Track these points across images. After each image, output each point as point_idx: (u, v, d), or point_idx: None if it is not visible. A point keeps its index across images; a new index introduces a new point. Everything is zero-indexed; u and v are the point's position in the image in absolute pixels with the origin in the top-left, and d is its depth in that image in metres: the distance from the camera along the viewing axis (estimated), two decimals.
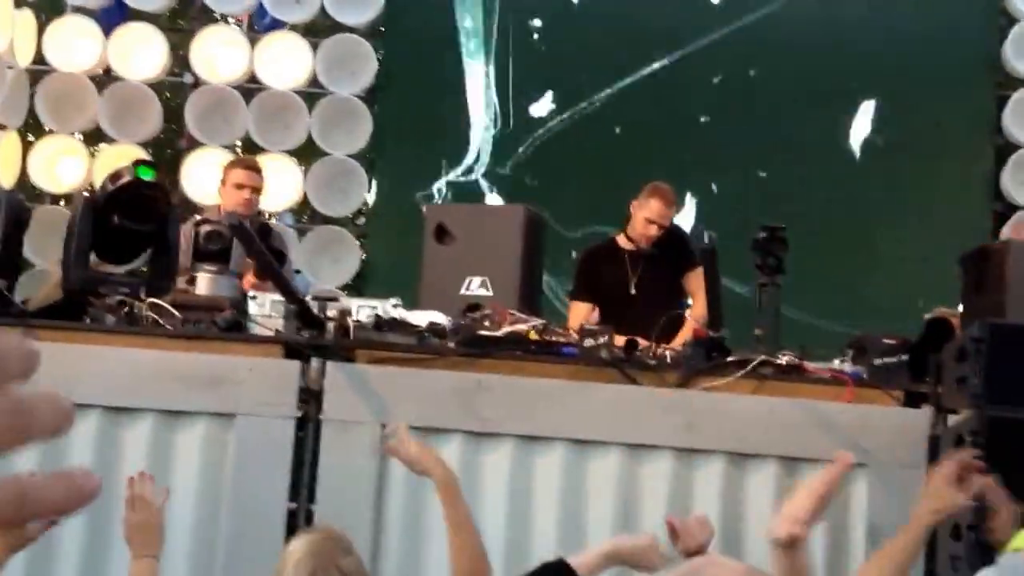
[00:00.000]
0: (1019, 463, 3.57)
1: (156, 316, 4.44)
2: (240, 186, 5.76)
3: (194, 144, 8.19)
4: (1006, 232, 7.39)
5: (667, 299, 5.40)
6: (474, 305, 4.87)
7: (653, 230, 5.57)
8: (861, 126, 7.92)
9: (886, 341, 4.47)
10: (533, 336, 4.62)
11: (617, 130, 7.91)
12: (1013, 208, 7.77)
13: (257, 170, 5.95)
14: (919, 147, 7.86)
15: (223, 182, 5.86)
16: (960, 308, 4.88)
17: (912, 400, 4.35)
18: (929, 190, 7.84)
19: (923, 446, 4.22)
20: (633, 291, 5.53)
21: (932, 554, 4.11)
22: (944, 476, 3.09)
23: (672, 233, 5.64)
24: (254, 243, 4.32)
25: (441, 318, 4.66)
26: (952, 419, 4.14)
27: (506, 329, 4.64)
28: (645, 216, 5.59)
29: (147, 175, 4.45)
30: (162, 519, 3.36)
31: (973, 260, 4.75)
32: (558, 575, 3.10)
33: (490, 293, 5.04)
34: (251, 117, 8.12)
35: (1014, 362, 3.65)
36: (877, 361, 4.41)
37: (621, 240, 5.70)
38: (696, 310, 5.44)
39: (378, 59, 8.19)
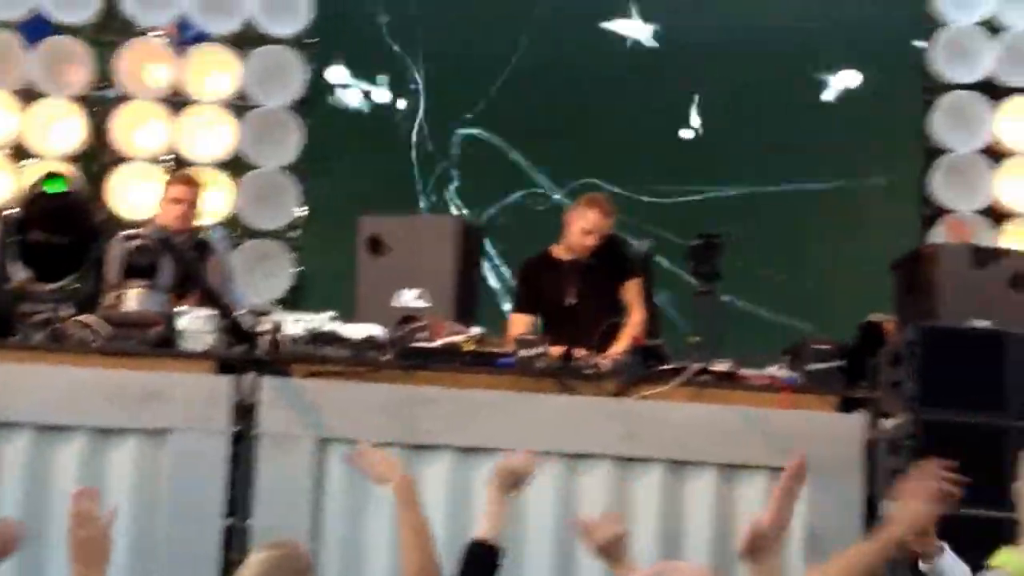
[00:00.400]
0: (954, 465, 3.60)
1: (84, 333, 4.35)
2: (176, 200, 5.66)
3: (120, 159, 8.06)
4: (941, 231, 7.49)
5: (607, 309, 5.38)
6: (410, 317, 4.83)
7: (590, 240, 5.56)
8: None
9: (821, 347, 4.50)
10: (470, 347, 4.59)
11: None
12: (941, 212, 7.87)
13: (195, 184, 5.85)
14: (849, 152, 7.94)
15: (164, 196, 5.77)
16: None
17: (848, 405, 4.38)
18: (859, 196, 7.92)
19: (859, 450, 4.25)
20: (572, 302, 5.51)
21: None
22: (915, 490, 3.08)
23: (610, 243, 5.63)
24: (183, 256, 4.24)
25: (377, 330, 4.62)
26: (887, 423, 4.17)
27: (442, 341, 4.61)
28: (582, 227, 5.57)
29: (54, 187, 4.36)
30: (109, 536, 3.27)
31: (905, 265, 4.81)
32: (484, 557, 3.09)
33: (426, 304, 5.00)
34: (178, 131, 8.01)
35: (947, 365, 3.69)
36: (813, 366, 4.44)
37: (558, 251, 5.69)
38: (634, 319, 5.43)
39: (307, 69, 8.11)
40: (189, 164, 7.99)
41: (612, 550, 3.12)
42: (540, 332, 5.07)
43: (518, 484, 3.30)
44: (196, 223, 5.90)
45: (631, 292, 5.56)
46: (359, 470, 3.51)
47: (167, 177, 5.96)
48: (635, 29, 8.06)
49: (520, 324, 5.49)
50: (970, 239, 7.08)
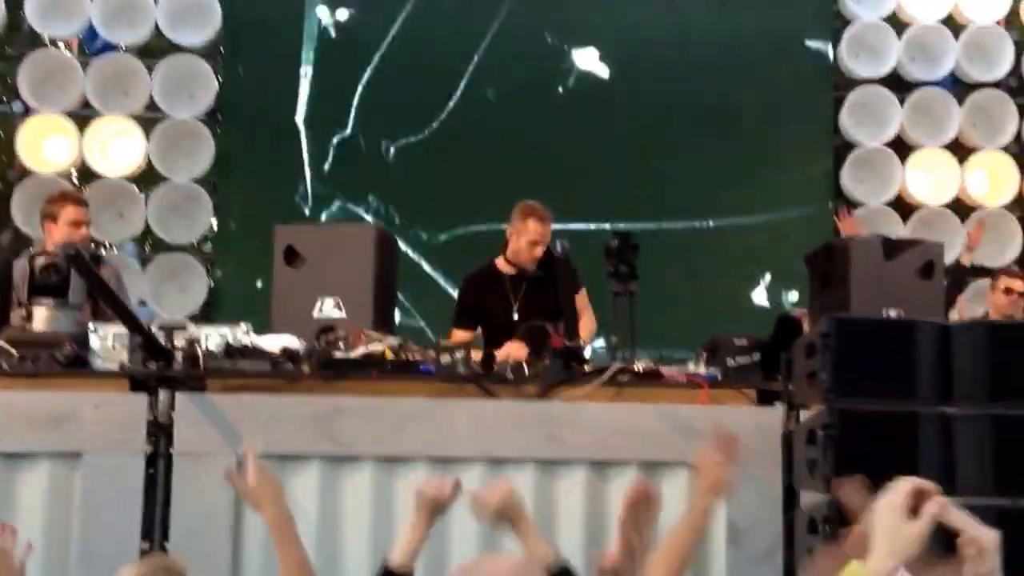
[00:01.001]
0: (870, 454, 3.65)
1: None
2: (77, 223, 5.48)
3: (27, 174, 7.90)
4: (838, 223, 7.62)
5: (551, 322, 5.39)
6: (327, 327, 4.78)
7: (539, 250, 5.57)
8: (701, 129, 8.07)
9: (738, 342, 4.54)
10: (389, 356, 4.56)
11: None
12: (853, 205, 7.99)
13: (86, 204, 5.71)
14: (761, 148, 8.03)
15: (51, 218, 5.53)
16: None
17: (765, 398, 4.43)
18: (771, 190, 8.02)
19: (777, 442, 4.30)
20: (516, 316, 5.50)
21: (790, 547, 4.18)
22: (709, 454, 3.11)
23: (554, 257, 5.65)
24: (93, 273, 4.16)
25: (294, 342, 4.56)
26: (804, 414, 4.22)
27: (361, 350, 4.57)
28: (527, 240, 5.56)
29: None
30: (23, 573, 3.18)
31: (818, 257, 4.87)
32: None
33: (343, 314, 4.95)
34: (86, 144, 7.87)
35: (861, 355, 3.74)
36: (731, 361, 4.48)
37: (501, 264, 5.67)
38: (583, 332, 5.44)
39: (218, 79, 8.01)
40: (98, 178, 7.87)
41: (507, 511, 3.09)
42: (482, 346, 5.03)
43: (441, 510, 3.25)
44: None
45: (581, 302, 5.61)
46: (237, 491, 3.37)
47: (52, 199, 5.66)
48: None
49: (461, 338, 5.47)
50: (860, 230, 7.20)
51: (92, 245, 5.71)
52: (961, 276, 7.22)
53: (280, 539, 3.07)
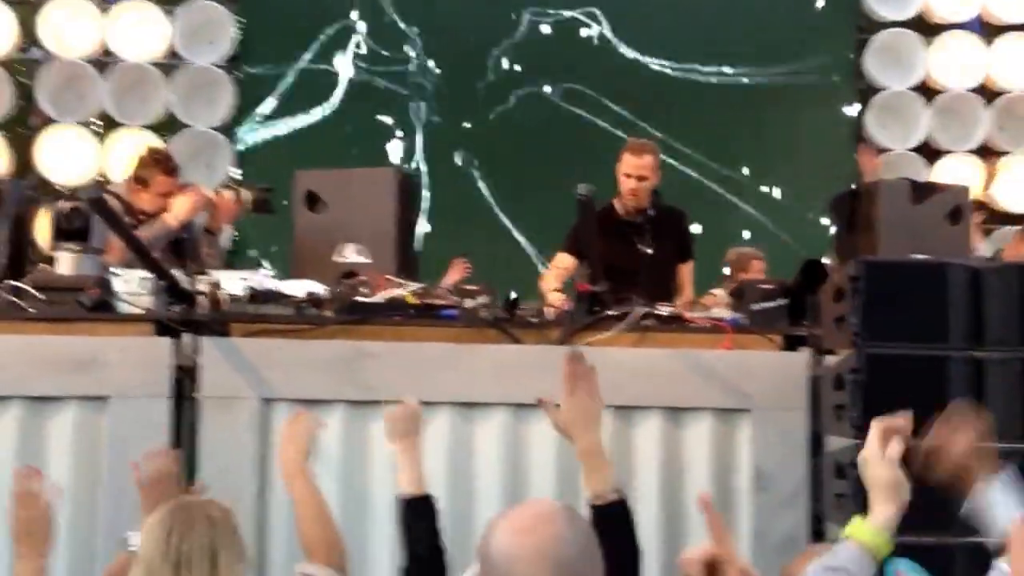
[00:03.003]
0: (899, 399, 3.62)
1: (16, 299, 4.25)
2: (167, 194, 5.39)
3: (48, 121, 7.89)
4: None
5: (659, 275, 5.40)
6: (350, 272, 4.77)
7: (632, 183, 5.57)
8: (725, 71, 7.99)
9: (763, 286, 4.51)
10: (412, 300, 4.55)
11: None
12: (876, 150, 7.92)
13: (176, 171, 5.58)
14: (783, 92, 7.96)
15: (141, 182, 5.43)
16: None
17: (791, 343, 4.40)
18: (794, 135, 7.95)
19: (803, 388, 4.27)
20: (631, 261, 5.51)
21: (818, 494, 4.17)
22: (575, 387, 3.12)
23: (676, 217, 5.66)
24: (115, 216, 4.14)
25: (317, 287, 4.56)
26: (830, 359, 4.20)
27: (384, 295, 4.56)
28: (624, 173, 5.60)
29: None
30: (52, 516, 3.22)
31: (844, 201, 4.82)
32: (417, 508, 3.06)
33: (365, 259, 4.94)
34: (106, 91, 7.85)
35: (890, 299, 3.70)
36: (755, 306, 4.45)
37: (618, 207, 5.68)
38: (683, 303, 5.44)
39: (237, 25, 7.97)
40: (118, 126, 7.86)
41: (400, 426, 3.14)
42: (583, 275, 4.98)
43: (416, 426, 3.27)
44: None
45: (684, 274, 5.64)
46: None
47: (143, 161, 5.51)
48: None
49: (564, 263, 5.52)
50: (878, 166, 7.16)
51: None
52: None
53: (294, 474, 3.10)
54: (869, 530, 2.24)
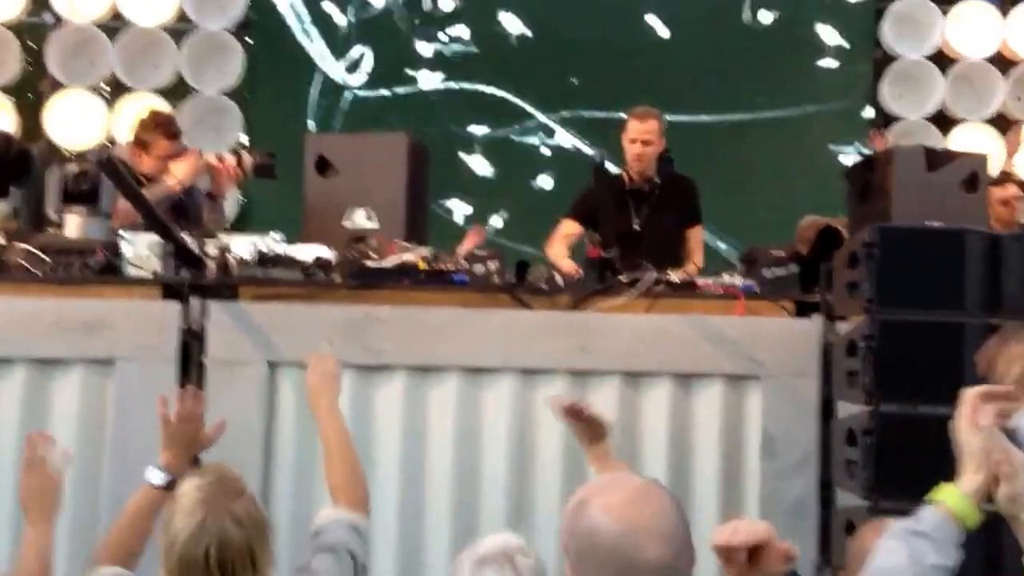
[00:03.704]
0: (912, 366, 3.59)
1: (24, 261, 4.23)
2: (167, 158, 5.33)
3: (57, 86, 7.86)
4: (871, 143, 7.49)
5: (664, 242, 5.37)
6: (359, 237, 4.74)
7: (637, 147, 5.54)
8: None
9: (775, 253, 4.47)
10: (422, 266, 4.52)
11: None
12: (890, 119, 7.85)
13: (179, 135, 5.55)
14: (797, 60, 7.88)
15: (142, 146, 5.36)
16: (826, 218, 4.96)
17: (803, 310, 4.36)
18: (807, 102, 7.88)
19: (815, 354, 4.24)
20: (636, 228, 5.48)
21: (827, 460, 4.14)
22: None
23: (685, 184, 5.62)
24: (124, 179, 4.12)
25: (326, 252, 4.53)
26: (843, 326, 4.16)
27: (393, 260, 4.53)
28: (628, 139, 5.56)
29: None
30: (62, 483, 3.20)
31: (859, 169, 4.77)
32: None
33: (375, 224, 4.90)
34: (116, 56, 7.80)
35: (905, 265, 3.66)
36: (767, 273, 4.41)
37: (626, 176, 5.65)
38: (690, 269, 5.39)
39: None
40: (128, 91, 7.81)
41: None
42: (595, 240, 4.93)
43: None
44: None
45: (693, 239, 5.61)
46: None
47: (145, 124, 5.43)
48: None
49: (568, 229, 5.52)
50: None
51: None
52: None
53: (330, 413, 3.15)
54: (956, 496, 2.17)
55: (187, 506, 2.56)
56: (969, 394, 2.25)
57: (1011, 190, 6.61)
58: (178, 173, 5.08)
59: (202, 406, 3.31)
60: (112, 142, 7.47)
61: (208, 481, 2.63)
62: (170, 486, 3.13)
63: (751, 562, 1.99)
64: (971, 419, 2.21)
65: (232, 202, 7.70)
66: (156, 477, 3.14)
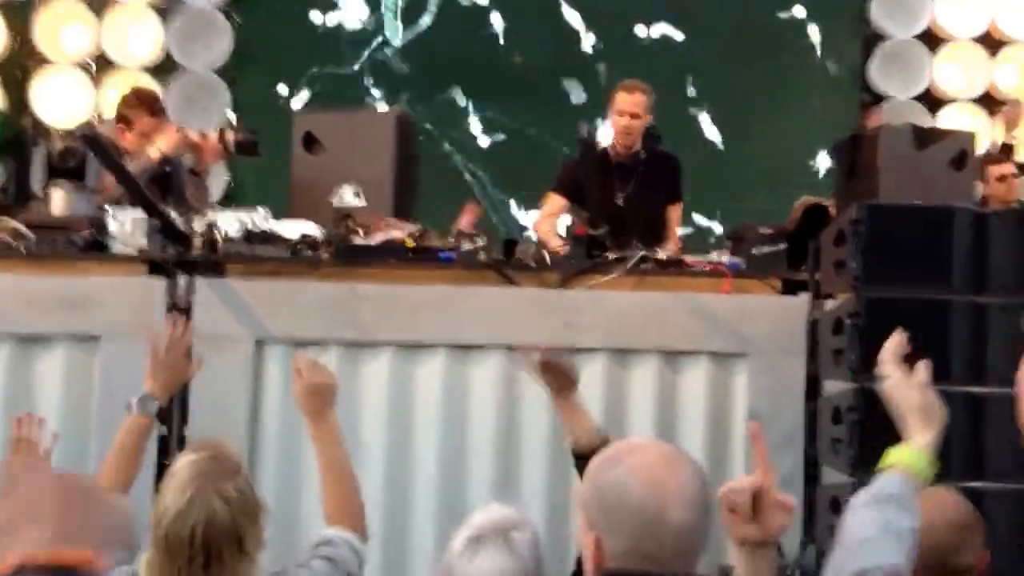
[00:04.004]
0: None
1: (9, 238, 4.21)
2: (149, 135, 5.28)
3: (44, 63, 7.81)
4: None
5: (648, 217, 5.36)
6: (346, 214, 4.72)
7: (625, 120, 5.51)
8: None
9: (763, 231, 4.47)
10: (409, 243, 4.51)
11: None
12: (879, 99, 7.84)
13: (163, 111, 5.49)
14: (787, 39, 7.87)
15: (125, 122, 5.30)
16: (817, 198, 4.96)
17: (790, 288, 4.36)
18: (797, 82, 7.87)
19: (802, 332, 4.25)
20: (619, 203, 5.47)
21: (813, 438, 4.15)
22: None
23: (668, 161, 5.61)
24: (110, 155, 4.09)
25: (313, 229, 4.51)
26: (829, 304, 4.16)
27: (381, 237, 4.51)
28: (616, 112, 5.53)
29: None
30: (48, 464, 3.19)
31: (846, 147, 4.77)
32: None
33: (363, 202, 4.88)
34: (103, 32, 7.76)
35: (893, 243, 3.65)
36: (755, 251, 4.41)
37: (612, 149, 5.63)
38: (671, 246, 5.38)
39: None
40: (113, 67, 7.77)
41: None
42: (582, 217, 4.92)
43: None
44: None
45: (673, 217, 5.60)
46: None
47: (127, 100, 5.36)
48: None
49: (553, 204, 5.51)
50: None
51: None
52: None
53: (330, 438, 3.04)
54: (911, 454, 2.18)
55: (178, 482, 2.54)
56: (888, 358, 2.27)
57: (1008, 167, 6.63)
58: (160, 144, 5.03)
59: (190, 336, 3.31)
60: (100, 119, 7.42)
61: (203, 457, 2.61)
62: (158, 415, 3.16)
63: (753, 511, 2.01)
64: (904, 377, 2.24)
65: (220, 180, 7.69)
66: (142, 406, 3.17)
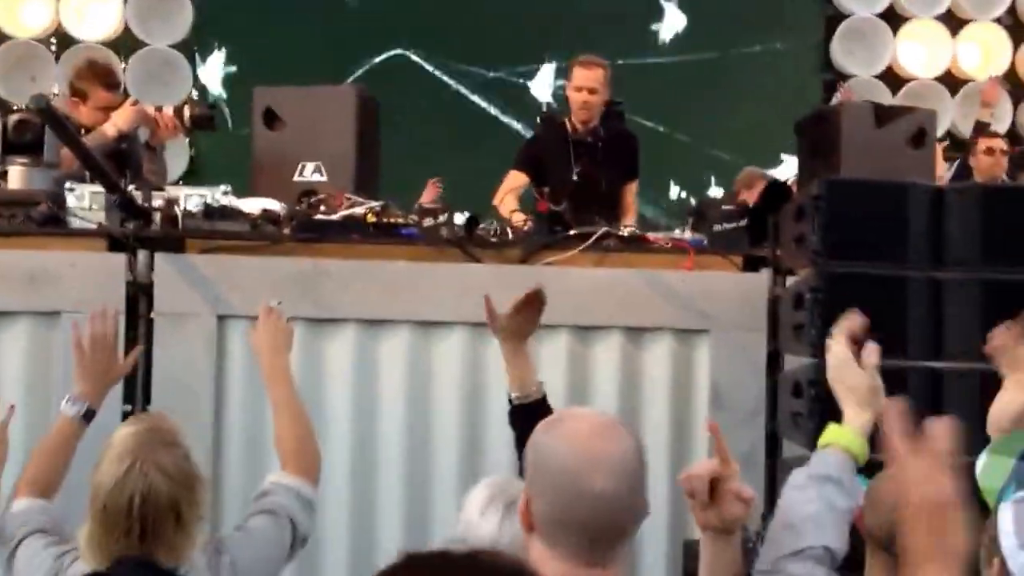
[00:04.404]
0: None
1: None
2: (107, 109, 5.19)
3: (3, 39, 7.72)
4: (836, 98, 7.53)
5: (606, 195, 5.36)
6: (309, 191, 4.70)
7: (583, 95, 5.49)
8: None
9: (725, 207, 4.48)
10: (371, 219, 4.49)
11: None
12: (842, 77, 7.88)
13: (118, 85, 5.42)
14: (750, 18, 7.89)
15: (80, 95, 5.22)
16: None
17: (752, 264, 4.39)
18: (760, 60, 7.89)
19: (763, 308, 4.27)
20: (576, 178, 5.46)
21: (773, 412, 4.18)
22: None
23: (627, 139, 5.60)
24: (66, 128, 4.05)
25: (274, 205, 4.49)
26: (790, 280, 4.19)
27: (343, 213, 4.50)
28: (574, 87, 5.52)
29: None
30: (5, 440, 3.16)
31: (809, 124, 4.80)
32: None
33: (324, 178, 4.86)
34: (61, 8, 7.67)
35: (852, 218, 3.68)
36: (717, 227, 4.43)
37: (570, 123, 5.61)
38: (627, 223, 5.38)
39: None
40: (73, 42, 7.69)
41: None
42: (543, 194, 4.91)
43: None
44: None
45: (629, 194, 5.60)
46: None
47: (80, 73, 5.27)
48: None
49: (514, 181, 5.49)
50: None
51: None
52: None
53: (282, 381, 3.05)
54: (847, 435, 2.20)
55: (116, 454, 2.54)
56: (836, 337, 2.28)
57: (997, 141, 6.70)
58: (116, 119, 4.97)
59: (114, 329, 3.23)
60: (57, 94, 7.35)
61: (141, 429, 2.60)
62: (87, 417, 3.11)
63: (711, 498, 2.02)
64: (850, 357, 2.24)
65: (182, 155, 7.64)
66: (70, 408, 3.10)
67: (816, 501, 2.11)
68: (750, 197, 5.76)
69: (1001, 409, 2.37)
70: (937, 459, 1.56)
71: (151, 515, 2.48)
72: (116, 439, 2.56)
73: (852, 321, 2.31)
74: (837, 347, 2.28)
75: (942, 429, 1.59)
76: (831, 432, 2.25)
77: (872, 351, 2.25)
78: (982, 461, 2.19)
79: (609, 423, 2.02)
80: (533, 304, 3.10)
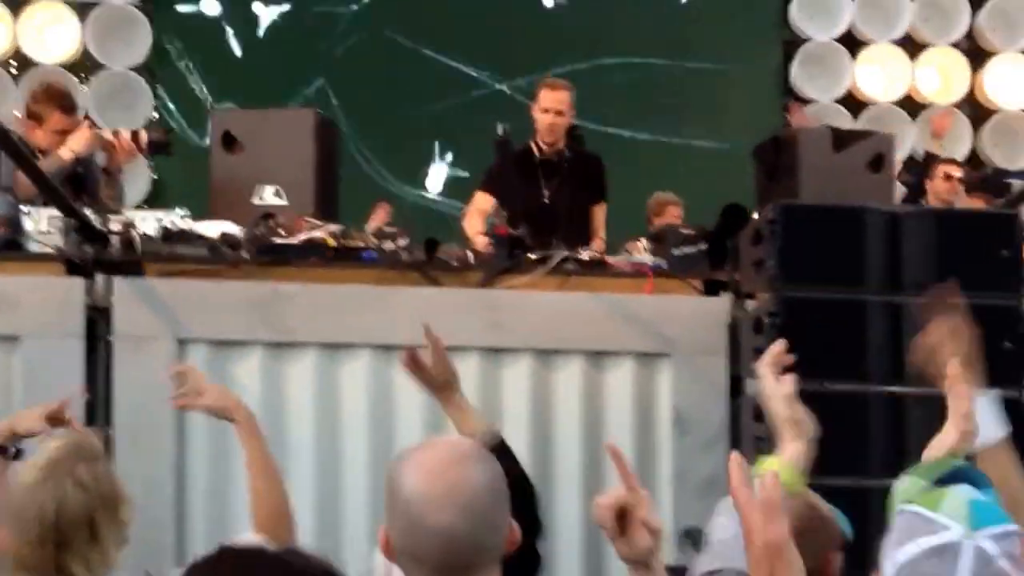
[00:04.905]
0: (818, 342, 3.64)
1: None
2: (63, 132, 5.14)
3: None
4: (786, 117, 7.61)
5: (579, 216, 5.36)
6: (267, 214, 4.68)
7: (550, 117, 5.49)
8: None
9: (685, 231, 4.51)
10: (331, 243, 4.48)
11: None
12: (803, 101, 7.94)
13: (74, 109, 5.37)
14: (709, 44, 7.94)
15: (36, 118, 5.16)
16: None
17: (712, 288, 4.41)
18: (720, 86, 7.94)
19: (723, 332, 4.29)
20: (546, 200, 5.46)
21: (737, 436, 4.20)
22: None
23: (593, 161, 5.62)
24: (20, 152, 4.02)
25: (232, 227, 4.47)
26: (750, 304, 4.21)
27: (302, 236, 4.48)
28: (541, 109, 5.51)
29: None
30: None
31: (766, 149, 4.83)
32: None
33: (284, 201, 4.85)
34: (19, 31, 7.63)
35: (809, 242, 3.71)
36: (676, 251, 4.45)
37: (534, 147, 5.60)
38: (597, 245, 5.36)
39: None
40: (35, 65, 7.65)
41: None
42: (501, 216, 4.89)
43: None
44: None
45: (597, 216, 5.57)
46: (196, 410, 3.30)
47: (36, 96, 5.22)
48: None
49: (480, 204, 5.46)
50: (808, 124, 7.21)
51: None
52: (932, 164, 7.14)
53: (252, 438, 3.01)
54: (775, 465, 2.24)
55: (34, 463, 2.55)
56: (763, 366, 2.32)
57: (955, 169, 6.77)
58: (72, 143, 4.94)
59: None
60: (17, 117, 7.29)
61: (63, 443, 2.60)
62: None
63: (620, 529, 1.96)
64: (774, 389, 2.28)
65: (143, 180, 7.59)
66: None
67: (728, 528, 2.13)
68: (660, 223, 5.83)
69: (940, 440, 2.41)
70: (771, 504, 1.70)
71: (63, 526, 2.46)
72: (39, 451, 2.56)
73: (775, 351, 2.34)
74: (763, 381, 2.31)
75: (772, 480, 1.71)
76: (764, 462, 2.31)
77: (787, 382, 2.28)
78: (900, 482, 2.22)
79: (462, 455, 1.92)
80: (436, 347, 3.02)
